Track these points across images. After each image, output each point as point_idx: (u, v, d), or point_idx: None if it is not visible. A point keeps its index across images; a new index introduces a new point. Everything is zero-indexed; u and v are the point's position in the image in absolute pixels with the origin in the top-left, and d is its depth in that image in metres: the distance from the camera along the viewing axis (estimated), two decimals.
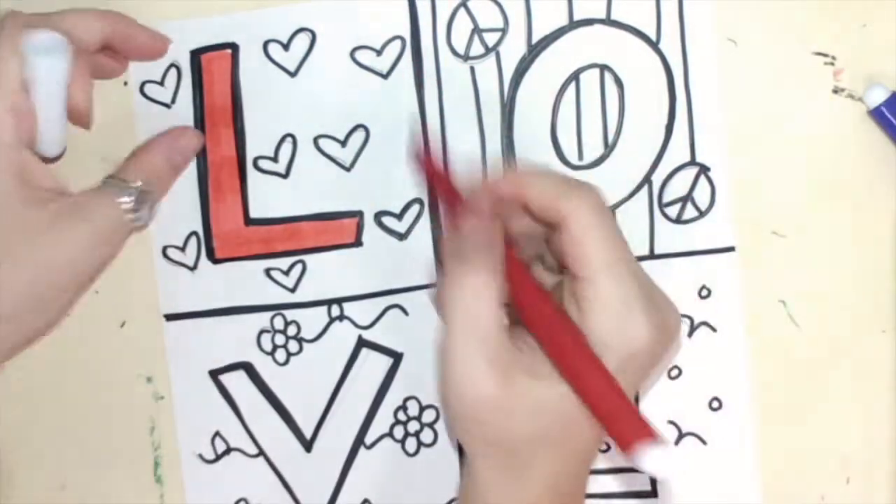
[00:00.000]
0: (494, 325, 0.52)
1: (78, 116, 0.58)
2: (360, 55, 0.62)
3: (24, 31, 0.55)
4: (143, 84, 0.63)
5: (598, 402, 0.50)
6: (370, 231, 0.63)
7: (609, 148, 0.62)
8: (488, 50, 0.62)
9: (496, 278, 0.53)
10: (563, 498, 0.55)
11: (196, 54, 0.62)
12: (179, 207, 0.63)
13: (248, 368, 0.63)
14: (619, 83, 0.61)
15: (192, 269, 0.63)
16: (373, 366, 0.63)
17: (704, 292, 0.62)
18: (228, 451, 0.64)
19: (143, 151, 0.60)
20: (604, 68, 0.61)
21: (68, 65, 0.55)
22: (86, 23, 0.57)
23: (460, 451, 0.63)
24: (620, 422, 0.48)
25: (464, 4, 0.61)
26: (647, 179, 0.62)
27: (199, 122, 0.62)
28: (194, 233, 0.63)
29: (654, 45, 0.61)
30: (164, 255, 0.63)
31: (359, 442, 0.63)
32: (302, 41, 0.62)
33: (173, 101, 0.62)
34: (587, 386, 0.51)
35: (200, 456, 0.64)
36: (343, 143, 0.62)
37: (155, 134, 0.61)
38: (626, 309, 0.52)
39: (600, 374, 0.51)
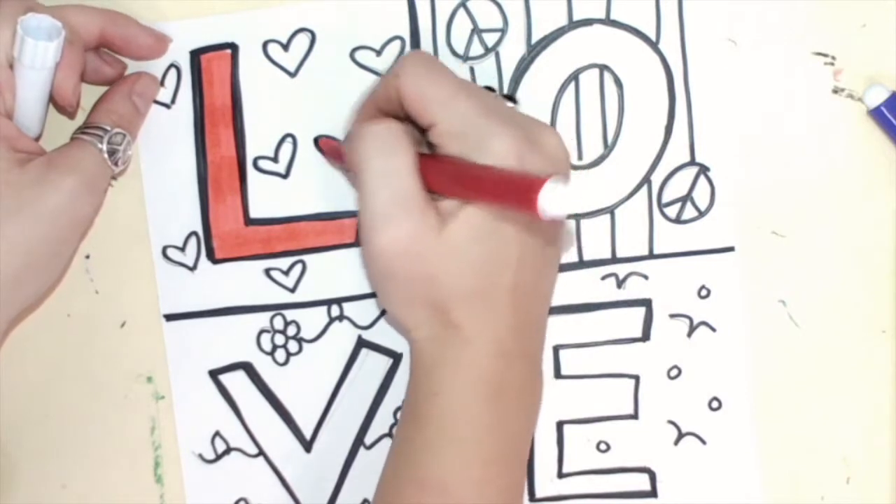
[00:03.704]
0: (410, 162, 0.55)
1: (63, 104, 0.59)
2: (360, 55, 0.62)
3: (24, 11, 0.56)
4: None
5: (489, 187, 0.52)
6: None
7: (608, 148, 0.62)
8: (488, 50, 0.62)
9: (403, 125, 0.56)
10: (510, 357, 0.56)
11: (196, 54, 0.62)
12: (179, 207, 0.63)
13: (247, 368, 0.63)
14: (618, 83, 0.61)
15: (192, 269, 0.63)
16: (373, 366, 0.63)
17: (704, 292, 0.62)
18: (228, 451, 0.64)
19: (106, 100, 0.61)
20: (603, 68, 0.61)
21: (57, 51, 0.56)
22: (85, 17, 0.58)
23: None
24: (514, 187, 0.50)
25: (463, 5, 0.61)
26: (646, 179, 0.62)
27: (199, 122, 0.62)
28: (194, 233, 0.63)
29: (654, 45, 0.61)
30: (164, 255, 0.63)
31: (358, 442, 0.63)
32: (302, 41, 0.62)
33: (173, 101, 0.62)
34: (477, 183, 0.53)
35: (200, 456, 0.64)
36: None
37: (150, 129, 0.62)
38: (474, 129, 0.54)
39: (481, 169, 0.53)
